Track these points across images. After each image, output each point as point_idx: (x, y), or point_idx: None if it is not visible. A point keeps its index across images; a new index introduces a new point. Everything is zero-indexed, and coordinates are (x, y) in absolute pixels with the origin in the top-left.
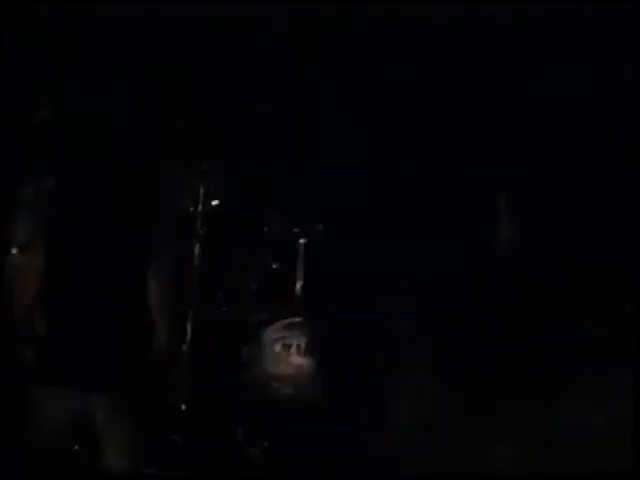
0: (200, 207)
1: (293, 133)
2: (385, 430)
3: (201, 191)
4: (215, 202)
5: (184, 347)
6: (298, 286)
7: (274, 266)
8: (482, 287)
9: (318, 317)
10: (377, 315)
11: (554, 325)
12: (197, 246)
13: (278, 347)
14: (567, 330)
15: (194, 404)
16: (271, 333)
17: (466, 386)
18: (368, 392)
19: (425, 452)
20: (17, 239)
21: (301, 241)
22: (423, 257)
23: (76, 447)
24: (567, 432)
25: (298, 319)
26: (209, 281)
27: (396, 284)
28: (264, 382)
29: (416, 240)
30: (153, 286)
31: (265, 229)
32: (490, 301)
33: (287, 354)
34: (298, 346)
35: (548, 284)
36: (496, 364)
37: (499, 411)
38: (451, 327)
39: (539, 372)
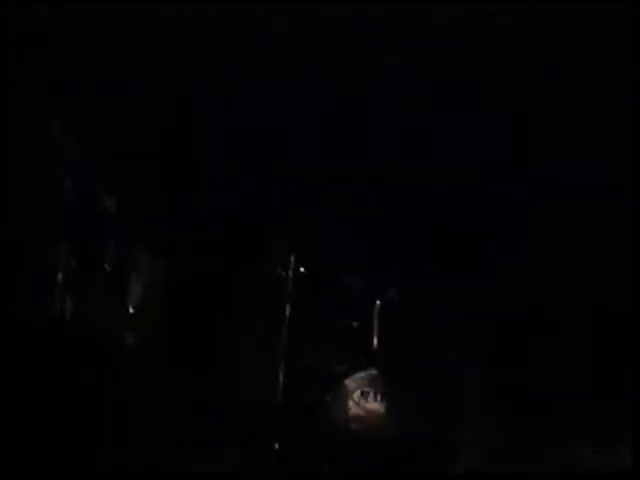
0: (291, 273)
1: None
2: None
3: (292, 259)
4: (302, 269)
5: (277, 393)
6: (375, 342)
7: (354, 324)
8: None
9: (391, 369)
10: (443, 364)
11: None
12: (288, 307)
13: (357, 395)
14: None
15: (286, 443)
16: (351, 382)
17: (528, 431)
18: (434, 435)
19: None
20: (133, 300)
21: (377, 302)
22: (482, 304)
23: None
24: None
25: (374, 371)
26: (298, 337)
27: (460, 334)
28: (345, 425)
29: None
30: (250, 342)
31: (346, 292)
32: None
33: (365, 401)
34: (375, 393)
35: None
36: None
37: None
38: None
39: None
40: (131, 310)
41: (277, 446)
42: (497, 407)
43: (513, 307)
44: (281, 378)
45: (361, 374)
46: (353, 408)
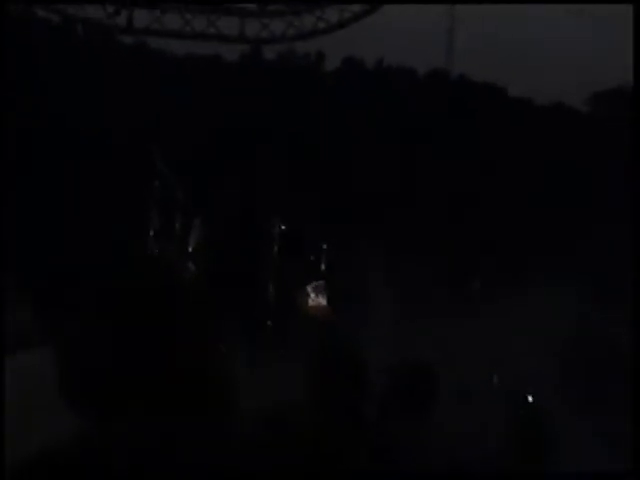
0: (277, 229)
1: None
2: None
3: (278, 223)
4: (283, 227)
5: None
6: (322, 267)
7: (312, 257)
8: None
9: (330, 281)
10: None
11: None
12: (275, 250)
13: (313, 295)
14: None
15: (281, 318)
16: (310, 288)
17: None
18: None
19: None
20: (191, 245)
21: (324, 246)
22: None
23: None
24: None
25: (322, 282)
26: (283, 266)
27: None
28: (307, 309)
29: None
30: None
31: (308, 240)
32: None
33: (317, 297)
34: (322, 294)
35: None
36: None
37: None
38: None
39: None
40: (190, 250)
41: (270, 322)
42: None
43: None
44: (272, 288)
45: (315, 283)
46: (311, 301)
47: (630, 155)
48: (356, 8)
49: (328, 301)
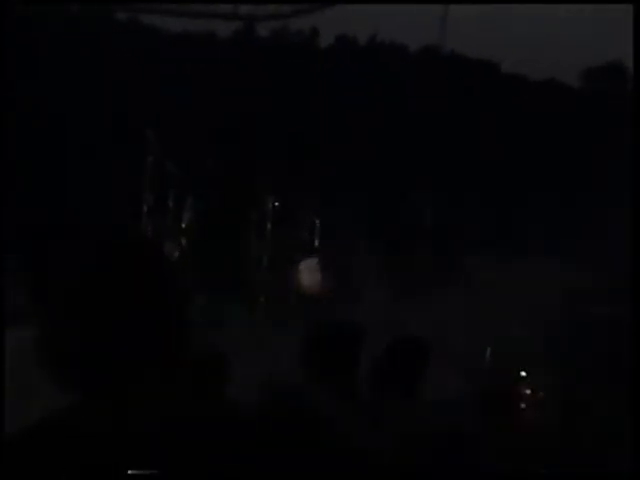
0: (271, 206)
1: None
2: None
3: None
4: (276, 204)
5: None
6: (316, 243)
7: (306, 234)
8: None
9: (324, 257)
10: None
11: None
12: (269, 224)
13: (307, 271)
14: None
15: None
16: (303, 263)
17: None
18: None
19: None
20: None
21: (317, 222)
22: None
23: None
24: None
25: (316, 257)
26: (278, 242)
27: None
28: (301, 282)
29: None
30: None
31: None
32: None
33: (310, 272)
34: (315, 269)
35: None
36: None
37: None
38: None
39: None
40: (183, 226)
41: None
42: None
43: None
44: (266, 260)
45: (308, 259)
46: (304, 277)
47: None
48: None
49: (322, 276)
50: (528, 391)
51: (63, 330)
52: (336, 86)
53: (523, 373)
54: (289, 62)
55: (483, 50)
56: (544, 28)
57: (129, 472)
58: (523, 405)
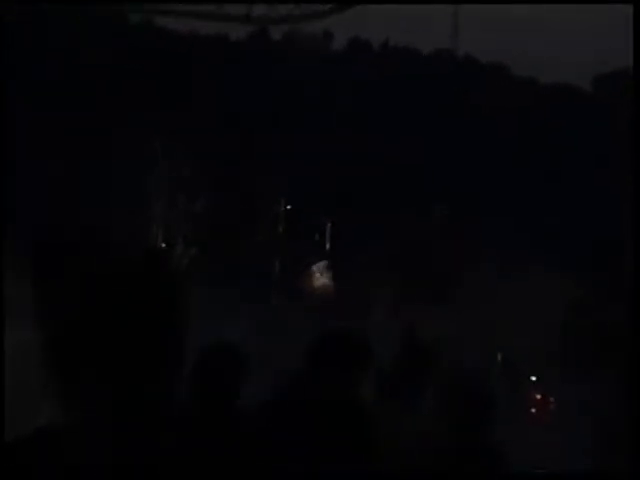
0: (281, 209)
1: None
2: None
3: (282, 200)
4: (289, 206)
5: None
6: (327, 246)
7: (316, 237)
8: None
9: (335, 261)
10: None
11: None
12: (280, 227)
13: (318, 274)
14: None
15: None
16: (315, 267)
17: None
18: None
19: None
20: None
21: (329, 225)
22: None
23: None
24: None
25: (327, 261)
26: (287, 245)
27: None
28: (313, 285)
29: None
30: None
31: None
32: None
33: (321, 276)
34: (327, 273)
35: None
36: None
37: None
38: None
39: None
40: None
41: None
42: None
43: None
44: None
45: (320, 263)
46: (316, 280)
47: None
48: None
49: (333, 279)
50: (539, 396)
51: (64, 333)
52: (348, 87)
53: (533, 378)
54: (301, 66)
55: (492, 53)
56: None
57: None
58: (533, 410)
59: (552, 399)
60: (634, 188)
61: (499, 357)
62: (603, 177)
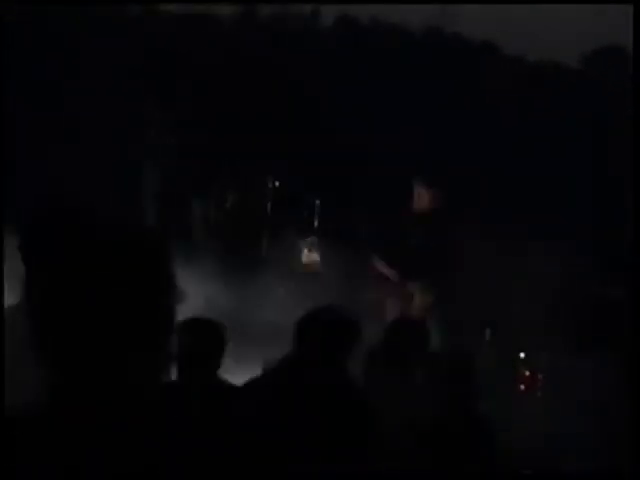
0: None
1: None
2: None
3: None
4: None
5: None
6: (315, 223)
7: (305, 213)
8: None
9: (323, 237)
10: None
11: None
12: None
13: (306, 250)
14: None
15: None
16: (303, 243)
17: None
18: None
19: None
20: None
21: (317, 202)
22: None
23: None
24: None
25: (315, 237)
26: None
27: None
28: (301, 263)
29: None
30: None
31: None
32: None
33: (310, 252)
34: (315, 249)
35: None
36: None
37: None
38: None
39: None
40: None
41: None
42: None
43: None
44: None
45: (308, 239)
46: (304, 257)
47: (630, 155)
48: None
49: (321, 256)
50: (527, 372)
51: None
52: (338, 66)
53: (522, 355)
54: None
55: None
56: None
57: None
58: (522, 387)
59: (541, 376)
60: (633, 157)
61: (487, 333)
62: (602, 149)
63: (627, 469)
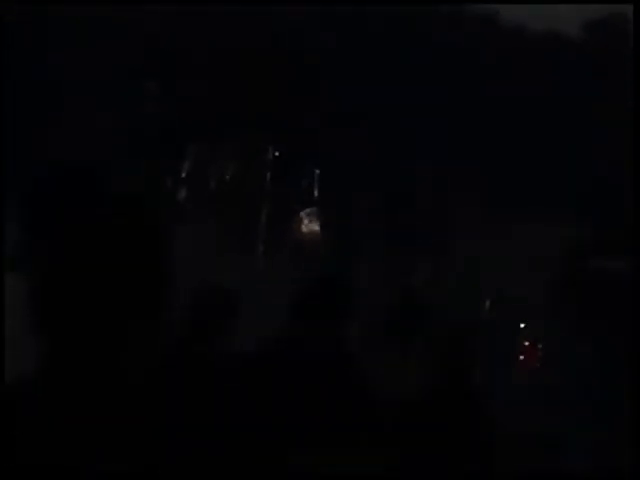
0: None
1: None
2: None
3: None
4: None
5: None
6: (315, 193)
7: (304, 182)
8: None
9: (323, 208)
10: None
11: None
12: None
13: (306, 220)
14: None
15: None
16: (304, 214)
17: None
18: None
19: None
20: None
21: (317, 172)
22: None
23: None
24: None
25: (315, 208)
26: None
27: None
28: (301, 233)
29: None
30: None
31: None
32: None
33: (309, 223)
34: (315, 220)
35: None
36: None
37: None
38: None
39: None
40: (183, 175)
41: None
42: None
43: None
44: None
45: (308, 210)
46: (304, 227)
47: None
48: None
49: (321, 227)
50: (527, 343)
51: (51, 280)
52: (332, 38)
53: (522, 325)
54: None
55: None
56: None
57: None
58: (522, 357)
59: (540, 346)
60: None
61: (487, 303)
62: (599, 119)
63: (624, 441)
